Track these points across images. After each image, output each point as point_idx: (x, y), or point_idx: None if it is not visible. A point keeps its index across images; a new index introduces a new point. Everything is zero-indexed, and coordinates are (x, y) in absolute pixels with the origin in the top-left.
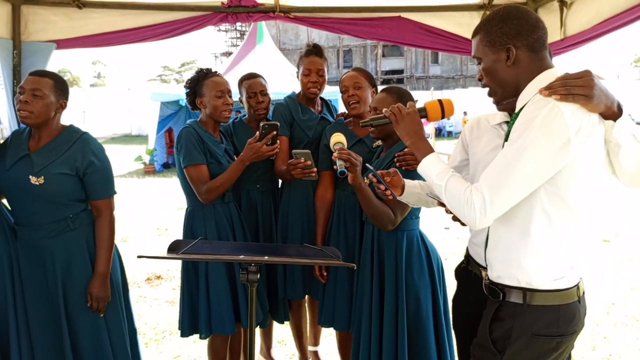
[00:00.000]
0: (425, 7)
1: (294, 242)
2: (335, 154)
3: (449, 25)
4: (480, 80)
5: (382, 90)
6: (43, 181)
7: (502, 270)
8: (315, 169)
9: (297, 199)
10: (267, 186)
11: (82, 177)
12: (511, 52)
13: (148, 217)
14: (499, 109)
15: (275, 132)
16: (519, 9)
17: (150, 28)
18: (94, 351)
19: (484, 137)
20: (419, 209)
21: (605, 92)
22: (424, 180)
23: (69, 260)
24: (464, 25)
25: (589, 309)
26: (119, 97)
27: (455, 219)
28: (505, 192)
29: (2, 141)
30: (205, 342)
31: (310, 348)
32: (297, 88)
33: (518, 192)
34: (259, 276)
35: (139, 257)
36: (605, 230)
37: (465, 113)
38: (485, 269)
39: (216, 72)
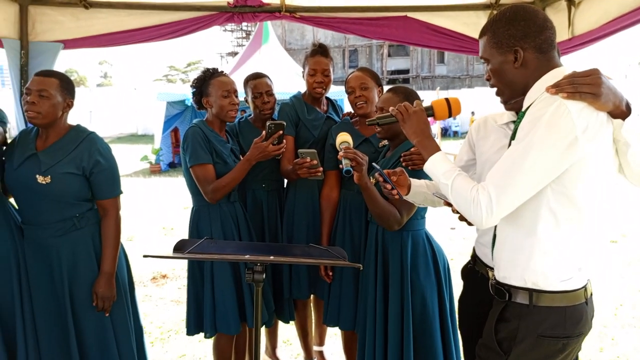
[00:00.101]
0: (432, 7)
1: (299, 241)
2: (341, 153)
3: (455, 25)
4: (488, 80)
5: (389, 90)
6: (50, 180)
7: (509, 270)
8: (321, 169)
9: (303, 199)
10: (272, 186)
11: (88, 176)
12: (519, 54)
13: (154, 217)
14: (507, 109)
15: (281, 132)
16: (526, 9)
17: (157, 28)
18: (100, 350)
19: (491, 137)
20: (425, 209)
21: (614, 90)
22: (430, 179)
23: (75, 259)
24: (471, 24)
25: (596, 311)
26: (125, 96)
27: (462, 218)
28: (512, 191)
29: (9, 140)
30: (210, 342)
31: (315, 348)
32: (302, 88)
33: (524, 191)
34: (264, 276)
35: (145, 256)
36: (613, 230)
37: (473, 113)
38: (492, 269)
39: (222, 71)
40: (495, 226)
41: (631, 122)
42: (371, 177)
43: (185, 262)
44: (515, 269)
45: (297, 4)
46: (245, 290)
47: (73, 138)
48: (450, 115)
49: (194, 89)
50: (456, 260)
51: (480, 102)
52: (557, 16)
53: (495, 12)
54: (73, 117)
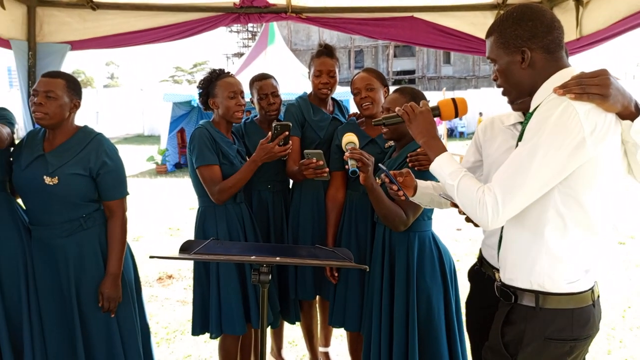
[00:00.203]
0: (438, 7)
1: (305, 242)
2: (347, 154)
3: (462, 25)
4: (495, 80)
5: (395, 91)
6: (57, 181)
7: (515, 272)
8: (327, 169)
9: (308, 200)
10: (278, 186)
11: (95, 177)
12: (526, 54)
13: (160, 217)
14: (514, 109)
15: (287, 133)
16: (533, 9)
17: (163, 29)
18: (106, 350)
19: (498, 138)
20: (431, 210)
21: (622, 91)
22: (436, 181)
23: (81, 259)
24: (478, 25)
25: (604, 313)
26: (132, 97)
27: (468, 220)
28: (518, 193)
29: (17, 141)
30: (216, 342)
31: (321, 349)
32: (308, 89)
33: (531, 193)
34: (270, 277)
35: (151, 257)
36: (621, 232)
37: (480, 114)
38: (498, 270)
39: (229, 72)
40: (502, 227)
41: None
42: (377, 178)
43: (191, 262)
44: (521, 271)
45: (303, 5)
46: (250, 291)
47: (80, 139)
48: (456, 116)
49: (201, 90)
50: (462, 262)
51: (487, 103)
52: (565, 16)
53: (502, 12)
54: (80, 118)
